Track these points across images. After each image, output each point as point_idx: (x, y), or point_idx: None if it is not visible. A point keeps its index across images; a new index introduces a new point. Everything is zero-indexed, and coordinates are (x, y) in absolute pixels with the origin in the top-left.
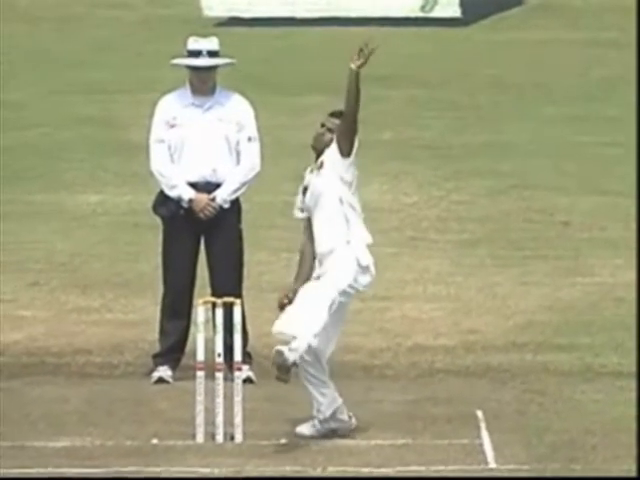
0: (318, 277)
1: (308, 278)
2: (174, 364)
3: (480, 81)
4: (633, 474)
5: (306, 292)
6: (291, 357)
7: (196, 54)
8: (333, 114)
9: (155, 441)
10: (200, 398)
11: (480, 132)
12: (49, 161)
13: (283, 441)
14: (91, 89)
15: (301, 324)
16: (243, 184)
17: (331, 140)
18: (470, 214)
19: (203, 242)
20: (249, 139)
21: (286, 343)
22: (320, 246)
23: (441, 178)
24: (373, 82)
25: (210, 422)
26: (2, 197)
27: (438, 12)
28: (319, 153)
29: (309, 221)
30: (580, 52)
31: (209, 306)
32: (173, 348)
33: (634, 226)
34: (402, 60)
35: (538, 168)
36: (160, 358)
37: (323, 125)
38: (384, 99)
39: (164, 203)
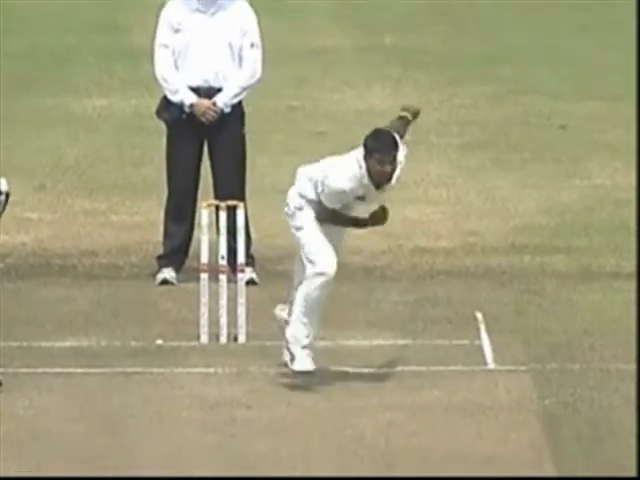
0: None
1: None
2: (178, 266)
3: None
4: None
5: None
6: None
7: None
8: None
9: (160, 342)
10: (204, 299)
11: (480, 38)
12: (56, 67)
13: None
14: None
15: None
16: (244, 89)
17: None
18: (470, 118)
19: (207, 146)
20: (252, 45)
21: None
22: None
23: (441, 83)
24: None
25: (214, 323)
26: (10, 102)
27: None
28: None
29: None
30: None
31: (212, 209)
32: (177, 250)
33: (633, 130)
34: None
35: (537, 73)
36: (164, 260)
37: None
38: (385, 5)
39: (167, 108)
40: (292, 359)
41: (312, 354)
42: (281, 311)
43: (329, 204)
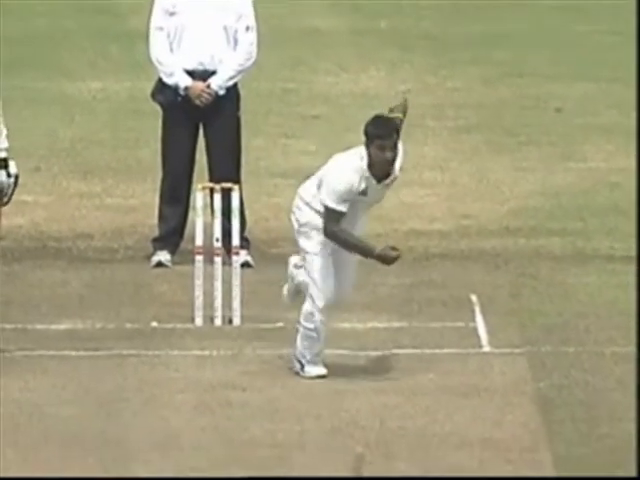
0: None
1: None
2: (173, 248)
3: None
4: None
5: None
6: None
7: None
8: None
9: (155, 324)
10: (199, 282)
11: (477, 20)
12: (51, 49)
13: (280, 324)
14: None
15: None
16: (238, 72)
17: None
18: (465, 101)
19: (202, 129)
20: (247, 28)
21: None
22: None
23: (436, 66)
24: None
25: (209, 305)
26: (5, 84)
27: None
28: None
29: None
30: None
31: (207, 191)
32: (172, 233)
33: (628, 113)
34: None
35: (533, 56)
36: (159, 242)
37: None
38: None
39: (162, 91)
40: (302, 367)
41: (321, 358)
42: (294, 267)
43: (332, 203)
